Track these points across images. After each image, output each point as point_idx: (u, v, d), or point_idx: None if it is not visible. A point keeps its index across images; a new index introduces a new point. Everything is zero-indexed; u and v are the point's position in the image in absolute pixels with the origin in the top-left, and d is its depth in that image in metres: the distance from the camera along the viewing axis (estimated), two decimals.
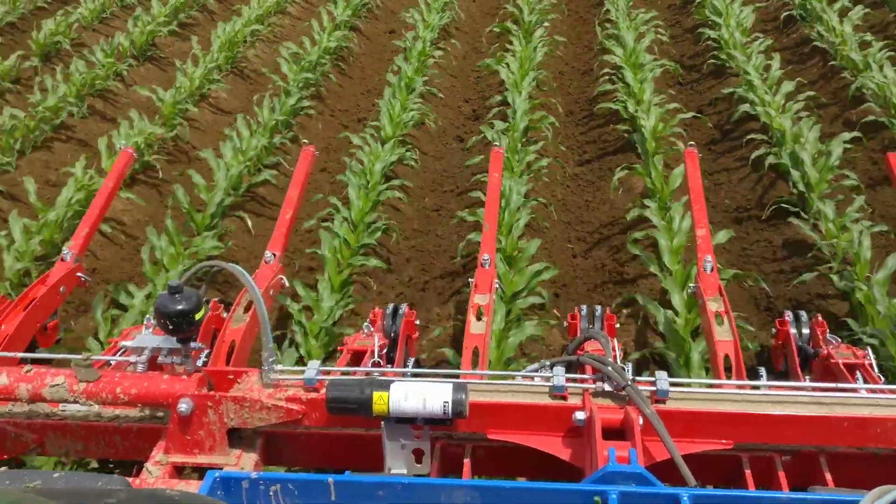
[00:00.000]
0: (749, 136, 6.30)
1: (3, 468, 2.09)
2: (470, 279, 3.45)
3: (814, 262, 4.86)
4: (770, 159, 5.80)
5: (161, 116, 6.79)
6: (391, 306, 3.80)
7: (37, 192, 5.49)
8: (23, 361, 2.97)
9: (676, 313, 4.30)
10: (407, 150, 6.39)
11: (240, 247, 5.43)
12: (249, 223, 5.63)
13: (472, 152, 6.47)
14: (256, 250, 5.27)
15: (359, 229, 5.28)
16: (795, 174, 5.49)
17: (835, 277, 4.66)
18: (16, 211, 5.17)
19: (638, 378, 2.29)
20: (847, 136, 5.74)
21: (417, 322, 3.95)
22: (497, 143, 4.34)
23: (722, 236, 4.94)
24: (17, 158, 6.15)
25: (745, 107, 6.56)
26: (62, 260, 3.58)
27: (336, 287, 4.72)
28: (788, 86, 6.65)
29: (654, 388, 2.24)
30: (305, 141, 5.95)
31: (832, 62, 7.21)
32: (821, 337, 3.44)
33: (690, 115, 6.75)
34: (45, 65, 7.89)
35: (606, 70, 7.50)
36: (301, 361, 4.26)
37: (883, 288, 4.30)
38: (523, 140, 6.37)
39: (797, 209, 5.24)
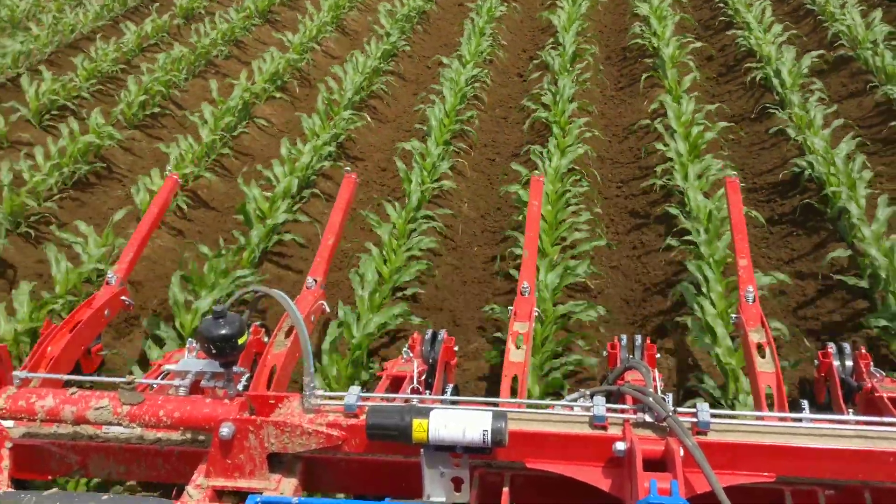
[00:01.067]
0: (747, 65, 8.39)
1: (55, 489, 2.13)
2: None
3: (786, 139, 6.84)
4: (759, 74, 8.08)
5: (293, 50, 9.28)
6: (430, 332, 3.82)
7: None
8: (67, 384, 3.02)
9: (679, 154, 6.32)
10: (482, 72, 8.82)
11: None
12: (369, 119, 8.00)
13: (531, 82, 8.78)
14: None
15: (450, 118, 7.65)
16: (775, 81, 7.75)
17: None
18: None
19: (679, 409, 2.27)
20: (815, 53, 8.15)
21: (456, 348, 3.95)
22: (538, 173, 4.34)
23: (722, 128, 6.97)
24: (184, 82, 8.78)
25: (742, 40, 8.87)
26: (107, 284, 3.65)
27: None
28: (777, 27, 8.99)
29: (695, 420, 2.22)
30: (396, 83, 8.94)
31: (819, 17, 9.47)
32: (864, 370, 3.39)
33: (700, 44, 9.10)
34: (186, 24, 10.63)
35: (637, 23, 9.84)
36: None
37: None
38: (570, 65, 8.56)
39: (777, 108, 7.34)
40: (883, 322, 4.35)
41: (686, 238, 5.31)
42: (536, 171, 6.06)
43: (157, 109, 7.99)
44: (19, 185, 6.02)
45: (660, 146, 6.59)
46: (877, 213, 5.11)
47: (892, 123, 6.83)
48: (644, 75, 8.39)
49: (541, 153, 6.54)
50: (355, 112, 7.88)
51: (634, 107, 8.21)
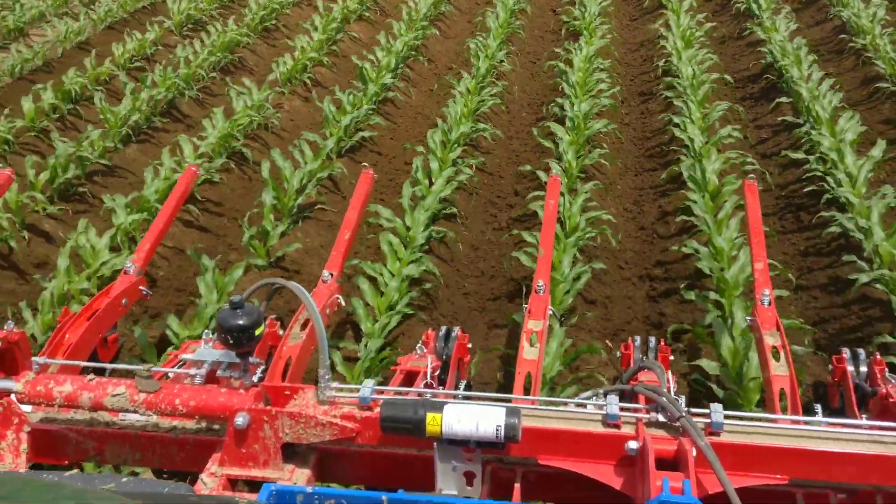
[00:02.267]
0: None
1: (75, 471, 2.15)
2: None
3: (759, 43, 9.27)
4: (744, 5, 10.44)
5: (324, 31, 10.30)
6: (444, 329, 3.83)
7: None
8: (85, 371, 3.05)
9: (677, 48, 8.99)
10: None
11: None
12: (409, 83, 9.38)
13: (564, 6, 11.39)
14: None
15: (503, 27, 10.38)
16: (754, 6, 10.21)
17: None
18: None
19: (692, 410, 2.27)
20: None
21: (470, 345, 3.96)
22: (555, 172, 4.35)
23: (709, 28, 9.81)
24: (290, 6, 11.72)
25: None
26: (125, 273, 3.67)
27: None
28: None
29: (708, 421, 2.23)
30: (455, 11, 11.38)
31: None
32: (879, 375, 3.38)
33: (710, 24, 10.15)
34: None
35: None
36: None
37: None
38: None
39: (755, 28, 9.69)
40: None
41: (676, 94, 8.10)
42: (554, 171, 6.12)
43: (272, 23, 11.09)
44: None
45: (662, 42, 9.54)
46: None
47: None
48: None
49: (573, 48, 9.24)
50: (426, 25, 10.61)
51: (644, 30, 10.74)
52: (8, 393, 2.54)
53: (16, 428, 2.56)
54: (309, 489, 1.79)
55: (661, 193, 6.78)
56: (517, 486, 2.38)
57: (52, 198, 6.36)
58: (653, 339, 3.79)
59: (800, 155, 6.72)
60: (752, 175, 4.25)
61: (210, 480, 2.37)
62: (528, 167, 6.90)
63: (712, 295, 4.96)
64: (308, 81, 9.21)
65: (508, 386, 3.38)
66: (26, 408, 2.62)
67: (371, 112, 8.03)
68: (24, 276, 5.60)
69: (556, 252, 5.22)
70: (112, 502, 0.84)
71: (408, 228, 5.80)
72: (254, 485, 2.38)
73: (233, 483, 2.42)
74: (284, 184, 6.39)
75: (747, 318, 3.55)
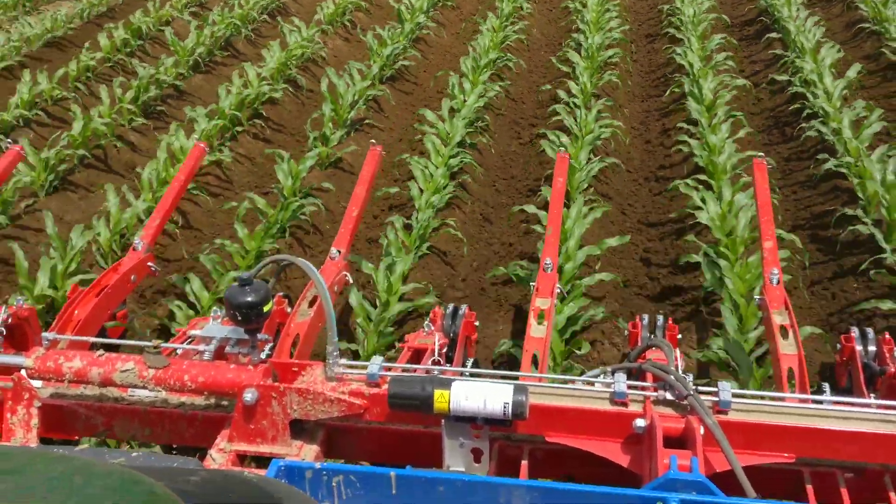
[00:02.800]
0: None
1: (85, 445, 2.16)
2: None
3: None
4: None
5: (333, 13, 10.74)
6: (451, 307, 3.84)
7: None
8: (93, 347, 3.07)
9: (691, 50, 8.58)
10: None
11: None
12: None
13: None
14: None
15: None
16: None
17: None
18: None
19: (700, 388, 2.27)
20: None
21: (477, 323, 3.97)
22: (562, 149, 4.34)
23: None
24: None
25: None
26: (133, 250, 3.68)
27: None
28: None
29: (716, 399, 2.23)
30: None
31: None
32: (888, 355, 3.38)
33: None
34: None
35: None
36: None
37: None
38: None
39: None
40: None
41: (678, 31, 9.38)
42: (562, 148, 6.15)
43: None
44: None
45: None
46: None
47: None
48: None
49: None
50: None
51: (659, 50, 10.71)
52: (18, 368, 2.55)
53: (26, 403, 2.58)
54: (317, 465, 1.80)
55: (665, 114, 7.97)
56: (524, 463, 2.38)
57: (134, 114, 7.61)
58: (661, 318, 3.79)
59: (784, 77, 8.05)
60: (761, 154, 4.23)
61: (219, 456, 2.38)
62: (548, 86, 8.42)
63: (704, 181, 6.13)
64: (347, 24, 10.60)
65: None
66: (36, 383, 2.63)
67: (408, 46, 9.52)
68: (117, 173, 6.99)
69: (574, 149, 6.44)
70: (122, 476, 0.84)
71: (447, 133, 7.00)
72: (262, 460, 2.39)
73: (241, 459, 2.44)
74: (339, 99, 7.72)
75: (756, 297, 3.55)
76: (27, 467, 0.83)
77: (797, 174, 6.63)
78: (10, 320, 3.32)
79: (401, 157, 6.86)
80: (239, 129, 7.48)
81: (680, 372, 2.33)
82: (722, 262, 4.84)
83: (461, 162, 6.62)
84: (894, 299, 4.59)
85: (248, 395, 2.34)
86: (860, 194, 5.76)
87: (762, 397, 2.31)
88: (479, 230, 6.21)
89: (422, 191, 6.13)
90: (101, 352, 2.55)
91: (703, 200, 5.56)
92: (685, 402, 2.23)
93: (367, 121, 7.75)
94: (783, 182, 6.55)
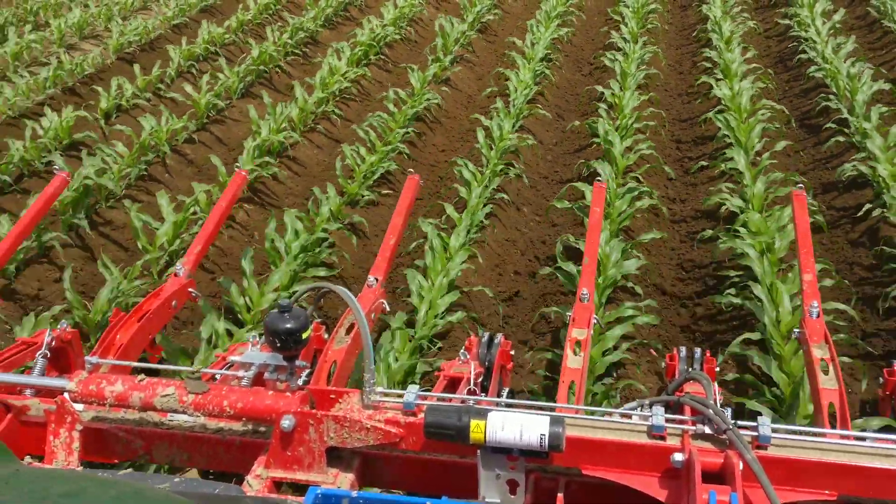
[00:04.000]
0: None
1: (129, 469, 2.19)
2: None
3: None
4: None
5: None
6: (486, 335, 3.83)
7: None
8: (134, 371, 3.11)
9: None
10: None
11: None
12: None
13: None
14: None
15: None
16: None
17: None
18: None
19: (740, 422, 2.25)
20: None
21: (513, 352, 3.96)
22: (600, 179, 4.34)
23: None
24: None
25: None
26: (175, 275, 3.73)
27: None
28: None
29: (755, 434, 2.21)
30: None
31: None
32: None
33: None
34: None
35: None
36: None
37: None
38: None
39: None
40: None
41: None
42: (599, 178, 6.17)
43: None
44: None
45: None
46: None
47: None
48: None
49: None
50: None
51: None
52: (62, 391, 2.59)
53: (69, 426, 2.61)
54: (354, 493, 1.81)
55: (693, 53, 11.56)
56: (560, 495, 2.37)
57: (288, 49, 11.81)
58: (698, 350, 3.76)
59: (785, 21, 11.96)
60: (800, 185, 4.20)
61: (255, 482, 2.40)
62: (605, 28, 12.25)
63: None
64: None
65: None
66: (78, 406, 2.67)
67: (491, 7, 13.18)
68: (279, 91, 10.81)
69: (624, 64, 10.30)
70: (169, 502, 0.86)
71: (531, 52, 11.10)
72: (298, 488, 2.40)
73: (277, 485, 2.45)
74: (446, 37, 11.64)
75: (795, 330, 3.52)
76: (82, 491, 0.85)
77: (794, 89, 10.23)
78: (53, 343, 3.38)
79: (497, 70, 10.99)
80: (367, 59, 11.48)
81: (718, 405, 2.31)
82: None
83: (542, 72, 10.52)
84: None
85: (286, 422, 2.35)
86: (833, 88, 9.28)
87: (803, 433, 2.28)
88: (552, 132, 9.68)
89: (516, 89, 9.88)
90: (142, 376, 2.58)
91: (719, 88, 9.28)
92: (724, 437, 2.21)
93: (464, 56, 11.59)
94: (783, 94, 10.25)
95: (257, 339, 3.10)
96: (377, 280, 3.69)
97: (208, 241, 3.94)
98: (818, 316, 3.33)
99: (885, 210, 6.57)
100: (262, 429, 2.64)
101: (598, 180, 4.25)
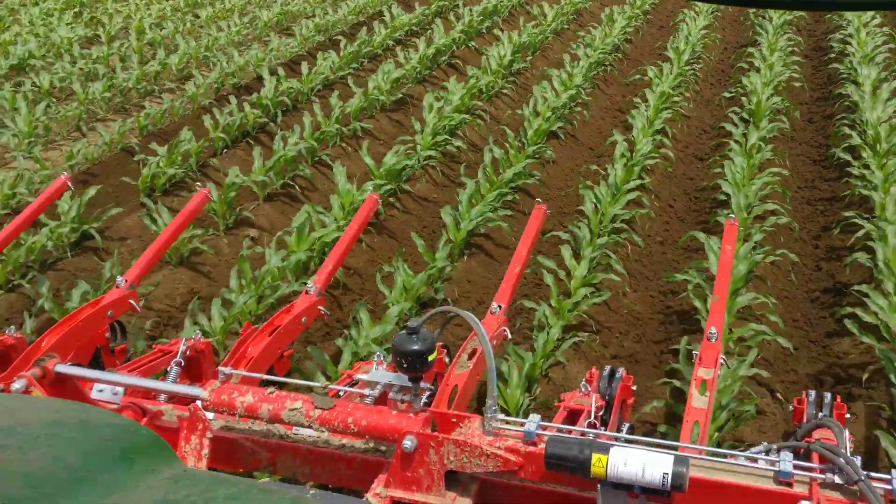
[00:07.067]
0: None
1: (266, 478, 2.26)
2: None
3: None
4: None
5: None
6: (608, 369, 3.79)
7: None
8: (263, 384, 3.21)
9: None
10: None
11: None
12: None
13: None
14: None
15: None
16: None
17: None
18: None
19: (872, 474, 2.17)
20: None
21: (634, 388, 3.91)
22: (733, 216, 4.25)
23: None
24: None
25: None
26: (306, 293, 3.85)
27: None
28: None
29: (889, 487, 2.12)
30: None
31: None
32: None
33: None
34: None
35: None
36: None
37: None
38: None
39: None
40: None
41: None
42: (731, 215, 6.02)
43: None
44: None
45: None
46: None
47: None
48: None
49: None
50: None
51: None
52: (195, 399, 2.71)
53: (200, 433, 2.72)
54: None
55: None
56: None
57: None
58: (828, 395, 3.63)
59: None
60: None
61: (375, 501, 2.43)
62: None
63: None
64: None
65: None
66: (209, 415, 2.78)
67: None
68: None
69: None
70: None
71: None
72: None
73: None
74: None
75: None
76: (247, 497, 0.90)
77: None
78: (188, 352, 3.53)
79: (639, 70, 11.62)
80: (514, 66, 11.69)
81: (849, 453, 2.23)
82: None
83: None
84: None
85: (408, 443, 2.38)
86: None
87: None
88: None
89: (662, 71, 10.79)
90: (271, 389, 2.67)
91: None
92: (855, 488, 2.13)
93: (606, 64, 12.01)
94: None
95: (381, 358, 3.16)
96: (500, 307, 3.71)
97: (338, 262, 4.05)
98: (716, 340, 3.36)
99: None
100: (384, 448, 2.69)
101: (730, 217, 4.17)
